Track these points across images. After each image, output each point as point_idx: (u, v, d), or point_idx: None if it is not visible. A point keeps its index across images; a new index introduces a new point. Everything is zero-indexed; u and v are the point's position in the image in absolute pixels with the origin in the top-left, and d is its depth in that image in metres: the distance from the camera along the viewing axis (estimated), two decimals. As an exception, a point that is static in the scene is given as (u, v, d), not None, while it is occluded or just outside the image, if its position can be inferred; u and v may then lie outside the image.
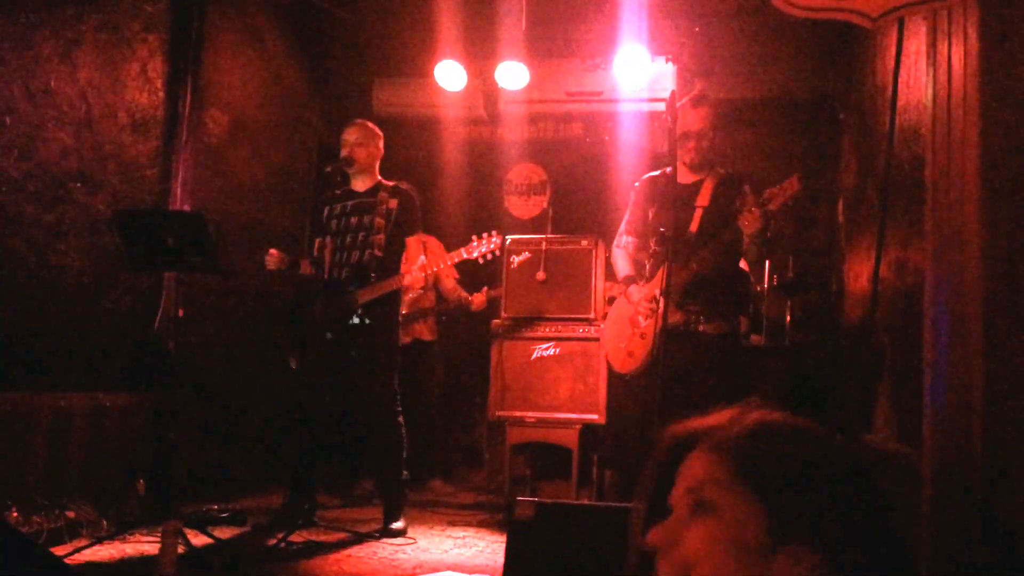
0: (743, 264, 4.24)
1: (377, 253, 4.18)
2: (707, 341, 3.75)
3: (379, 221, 4.21)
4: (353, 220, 4.26)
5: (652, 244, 3.90)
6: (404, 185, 4.42)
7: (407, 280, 4.21)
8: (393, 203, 4.26)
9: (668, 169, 3.81)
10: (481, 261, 4.35)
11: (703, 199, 3.83)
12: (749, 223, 3.47)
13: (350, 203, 4.31)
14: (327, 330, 4.10)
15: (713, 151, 3.91)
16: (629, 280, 3.98)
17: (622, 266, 4.08)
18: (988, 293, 2.46)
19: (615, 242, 4.14)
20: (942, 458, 2.66)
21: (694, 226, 3.78)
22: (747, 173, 4.01)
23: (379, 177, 4.38)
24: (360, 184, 4.34)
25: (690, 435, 1.00)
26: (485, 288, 5.46)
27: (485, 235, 4.31)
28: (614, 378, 4.42)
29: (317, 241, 4.34)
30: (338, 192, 4.38)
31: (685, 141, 3.80)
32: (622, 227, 4.12)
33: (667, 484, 1.00)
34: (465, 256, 4.32)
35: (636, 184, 4.12)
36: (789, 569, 0.86)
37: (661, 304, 3.40)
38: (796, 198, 3.43)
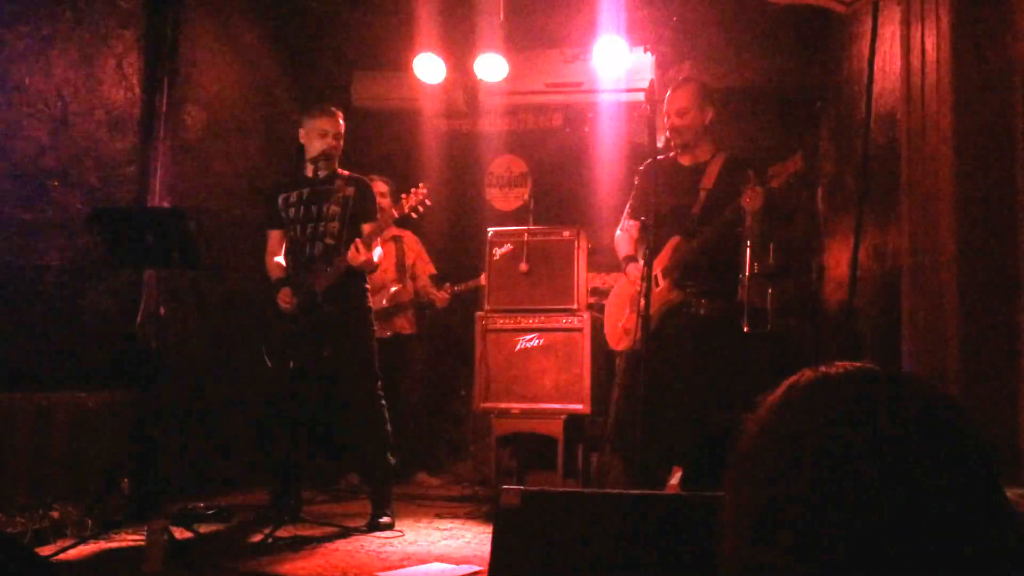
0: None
1: (329, 242, 4.12)
2: (708, 325, 3.72)
3: (335, 209, 4.12)
4: (313, 209, 4.15)
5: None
6: (358, 175, 4.31)
7: (349, 256, 4.01)
8: (350, 191, 4.16)
9: (672, 154, 3.84)
10: (414, 216, 4.23)
11: (708, 180, 3.81)
12: (751, 200, 3.45)
13: (307, 191, 4.19)
14: (295, 324, 4.05)
15: (702, 129, 3.86)
16: (629, 259, 3.99)
17: (623, 247, 4.08)
18: (963, 276, 2.49)
19: (619, 226, 4.15)
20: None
21: (697, 208, 3.76)
22: (752, 158, 3.95)
23: (336, 167, 4.27)
24: (318, 172, 4.22)
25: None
26: (448, 284, 5.48)
27: (413, 190, 4.19)
28: (612, 365, 4.39)
29: (272, 233, 4.25)
30: (293, 179, 4.29)
31: (669, 123, 3.81)
32: (625, 212, 4.13)
33: None
34: (396, 215, 4.19)
35: (640, 168, 4.11)
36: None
37: (656, 280, 3.38)
38: (799, 176, 3.41)
